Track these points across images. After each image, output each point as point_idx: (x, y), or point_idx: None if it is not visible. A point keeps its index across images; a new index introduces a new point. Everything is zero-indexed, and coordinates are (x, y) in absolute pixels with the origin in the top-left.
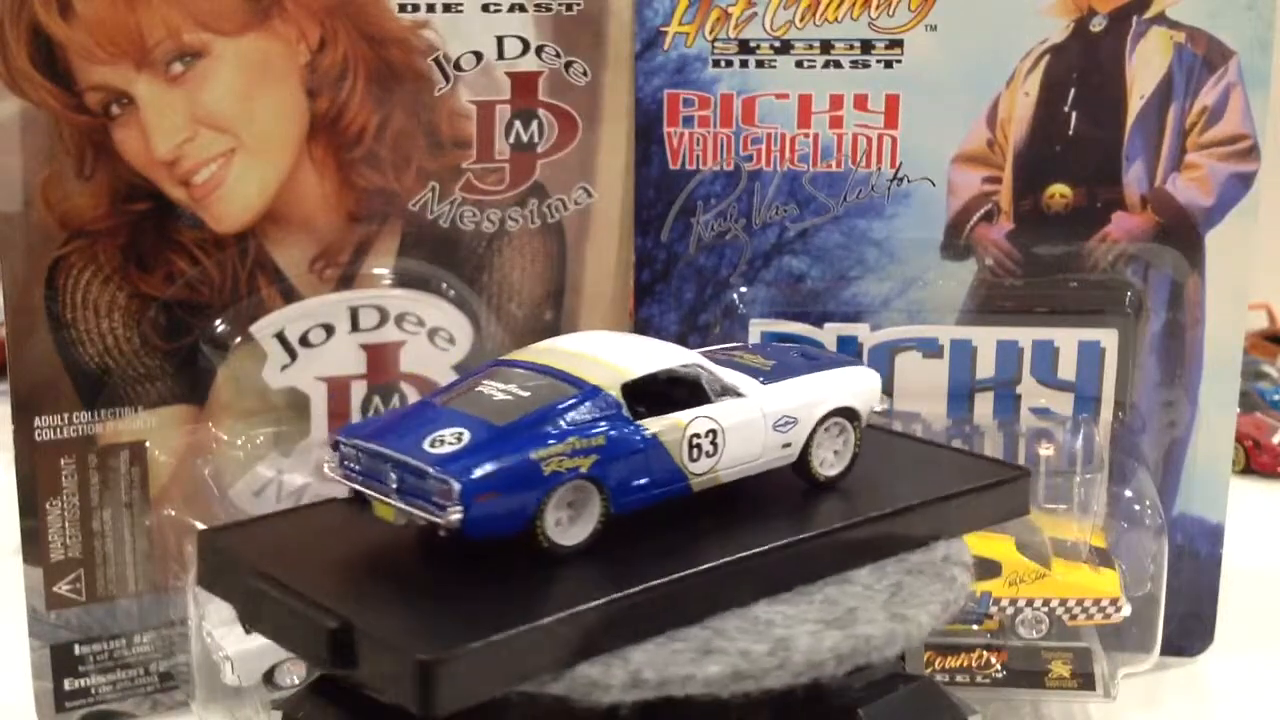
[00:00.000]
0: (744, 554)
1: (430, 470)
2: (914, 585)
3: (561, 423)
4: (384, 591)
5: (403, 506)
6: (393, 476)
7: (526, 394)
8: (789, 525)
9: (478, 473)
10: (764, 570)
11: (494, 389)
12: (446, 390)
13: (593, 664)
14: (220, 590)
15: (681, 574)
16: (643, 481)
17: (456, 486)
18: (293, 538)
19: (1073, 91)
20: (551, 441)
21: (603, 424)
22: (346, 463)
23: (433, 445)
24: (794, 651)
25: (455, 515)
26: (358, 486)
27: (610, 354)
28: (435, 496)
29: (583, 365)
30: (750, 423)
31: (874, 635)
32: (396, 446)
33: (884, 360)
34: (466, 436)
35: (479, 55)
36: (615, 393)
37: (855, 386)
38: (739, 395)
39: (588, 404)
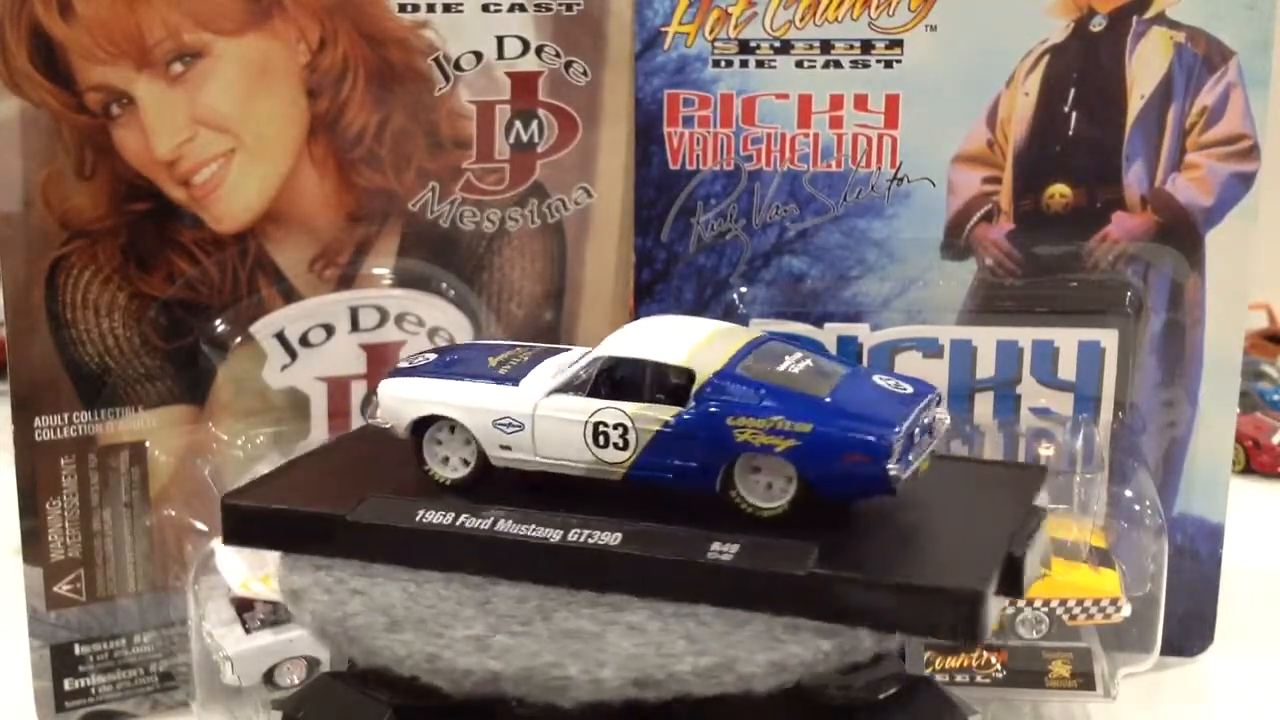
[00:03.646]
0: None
1: (938, 400)
2: None
3: None
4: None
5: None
6: (921, 436)
7: (807, 357)
8: None
9: None
10: None
11: (787, 372)
12: (765, 389)
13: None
14: None
15: None
16: None
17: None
18: None
19: (1073, 91)
20: None
21: None
22: (905, 456)
23: (904, 392)
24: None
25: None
26: (910, 464)
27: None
28: (938, 427)
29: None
30: None
31: None
32: (919, 406)
33: (884, 360)
34: (890, 380)
35: (479, 55)
36: None
37: None
38: None
39: None
